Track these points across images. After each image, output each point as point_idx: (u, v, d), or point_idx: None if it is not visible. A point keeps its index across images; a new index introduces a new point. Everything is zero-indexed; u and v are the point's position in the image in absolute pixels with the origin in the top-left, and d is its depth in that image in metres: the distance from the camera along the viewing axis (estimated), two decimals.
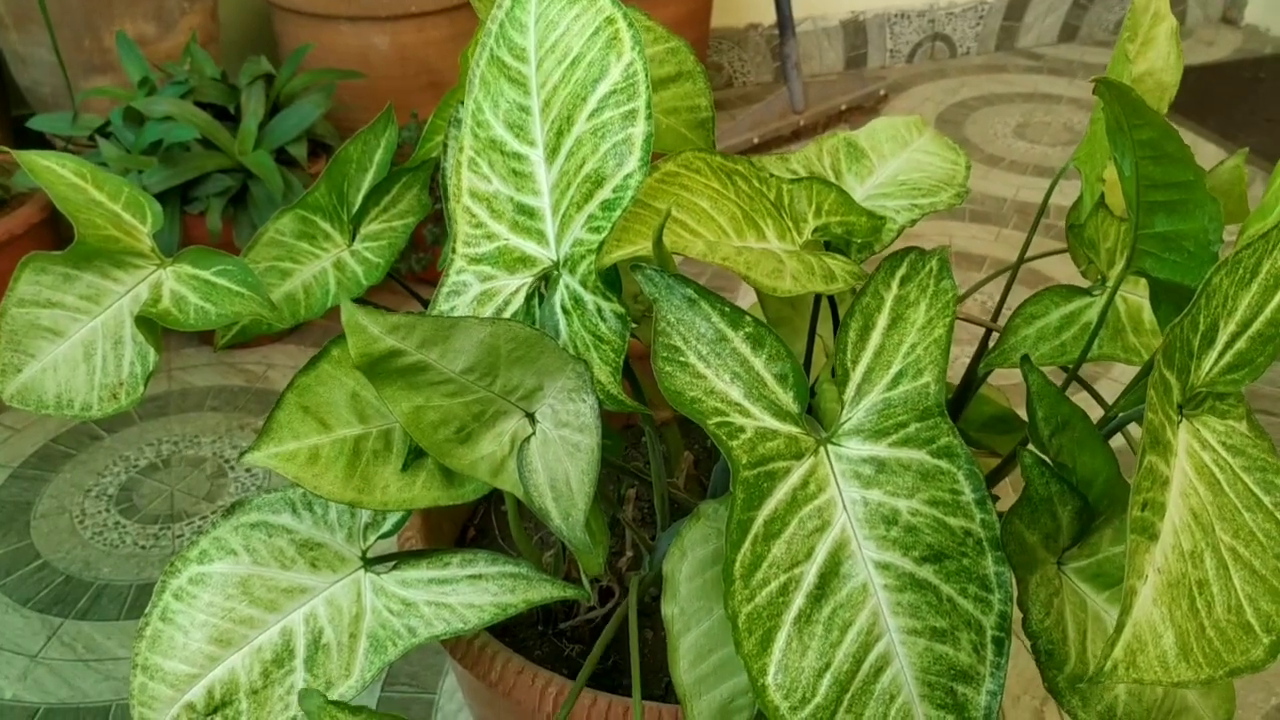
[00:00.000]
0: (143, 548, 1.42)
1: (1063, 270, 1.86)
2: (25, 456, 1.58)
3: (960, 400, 0.84)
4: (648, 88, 0.63)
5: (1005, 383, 1.62)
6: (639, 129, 0.63)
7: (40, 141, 1.83)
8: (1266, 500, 0.52)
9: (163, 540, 1.43)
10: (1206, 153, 2.35)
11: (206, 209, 1.61)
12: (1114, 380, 1.72)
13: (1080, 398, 1.49)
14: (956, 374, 1.39)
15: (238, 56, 2.04)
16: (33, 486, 1.52)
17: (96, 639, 1.29)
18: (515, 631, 0.89)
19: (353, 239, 0.84)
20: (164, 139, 1.58)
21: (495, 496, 1.02)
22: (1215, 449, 0.53)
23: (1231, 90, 2.67)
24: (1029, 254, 0.85)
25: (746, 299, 1.80)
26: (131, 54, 1.68)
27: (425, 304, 0.74)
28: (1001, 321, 0.78)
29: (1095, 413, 0.72)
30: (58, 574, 1.38)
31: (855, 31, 2.74)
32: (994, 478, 0.76)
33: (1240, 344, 0.54)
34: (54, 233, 1.71)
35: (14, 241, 1.62)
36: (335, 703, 0.57)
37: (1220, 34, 3.03)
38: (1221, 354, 0.54)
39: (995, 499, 0.82)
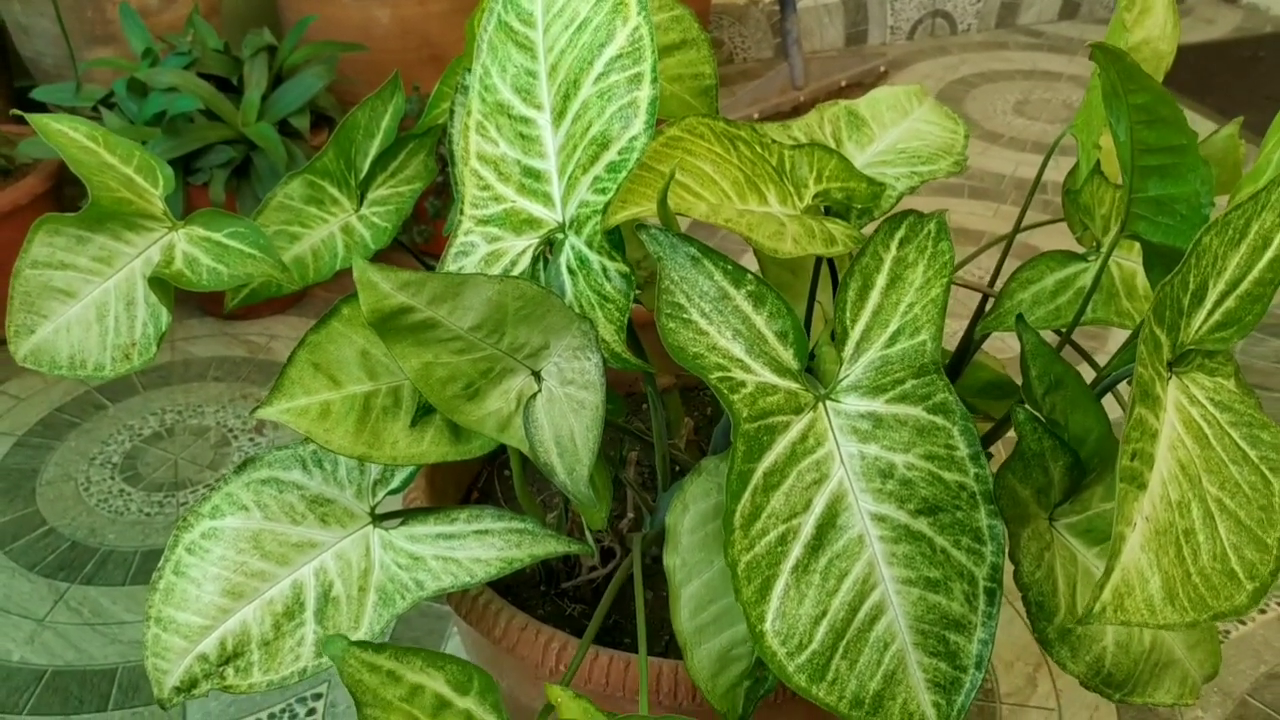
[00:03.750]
0: (147, 515, 1.44)
1: (1057, 244, 1.87)
2: (30, 425, 1.59)
3: (957, 366, 0.86)
4: (653, 52, 0.64)
5: (1001, 355, 1.64)
6: (644, 92, 0.64)
7: (43, 112, 1.84)
8: (1252, 454, 0.54)
9: (167, 508, 1.45)
10: (1205, 130, 2.36)
11: (210, 180, 1.62)
12: (1109, 354, 1.74)
13: (1076, 363, 1.51)
14: (953, 342, 1.41)
15: (239, 28, 2.04)
16: (38, 454, 1.54)
17: (102, 603, 1.31)
18: (518, 591, 0.91)
19: (360, 204, 0.85)
20: (168, 110, 1.58)
21: (498, 460, 1.04)
22: (1203, 404, 0.55)
23: (1231, 68, 2.68)
24: (1024, 225, 0.86)
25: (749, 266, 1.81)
26: (134, 25, 1.68)
27: (431, 270, 0.76)
28: (998, 290, 0.80)
29: (1089, 378, 0.74)
30: (64, 540, 1.40)
31: (856, 8, 2.74)
32: (989, 439, 0.78)
33: (1229, 303, 0.56)
34: (58, 203, 1.72)
35: (18, 212, 1.63)
36: (358, 643, 0.58)
37: (1220, 12, 3.04)
38: (1211, 312, 0.56)
39: (989, 456, 0.83)
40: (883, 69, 2.55)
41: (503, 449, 0.80)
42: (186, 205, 1.65)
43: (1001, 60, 2.74)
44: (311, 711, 1.17)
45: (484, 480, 1.03)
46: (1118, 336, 1.76)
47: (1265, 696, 1.21)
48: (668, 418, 1.00)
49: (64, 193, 1.74)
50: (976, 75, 2.65)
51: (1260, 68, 2.69)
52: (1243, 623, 1.30)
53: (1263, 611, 1.32)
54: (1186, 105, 2.48)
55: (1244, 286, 0.56)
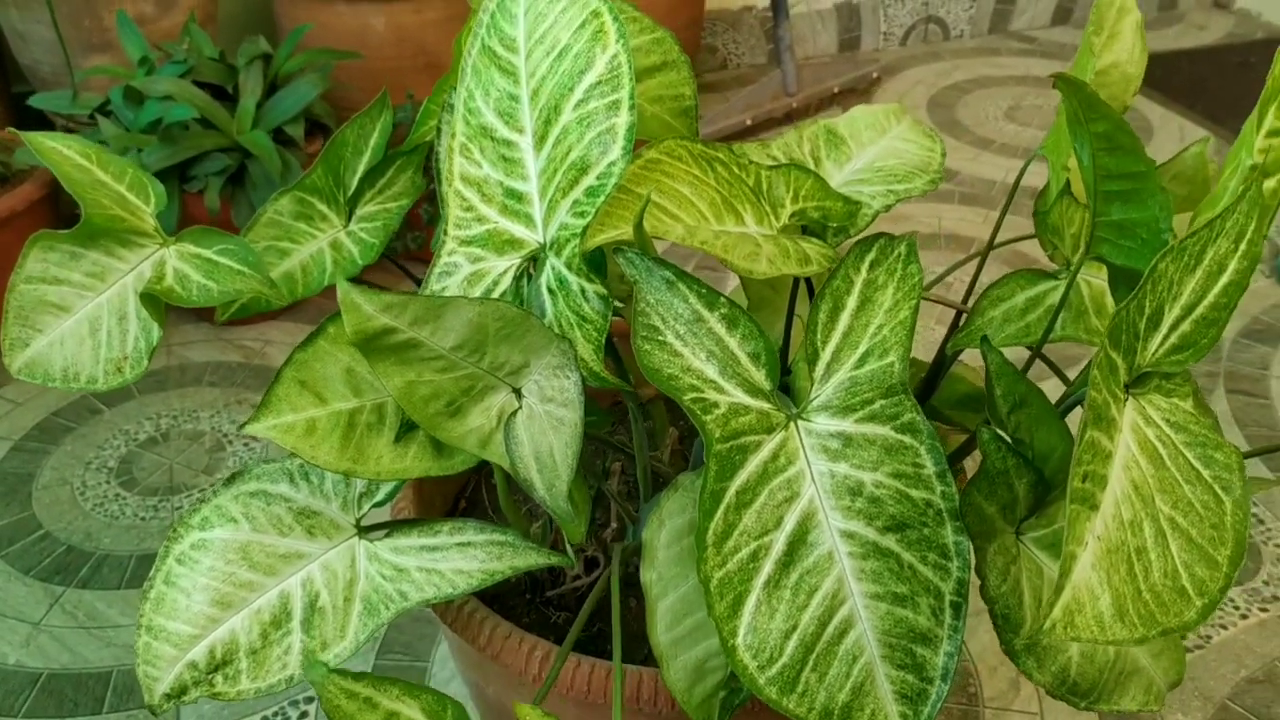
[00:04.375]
0: (142, 519, 1.45)
1: (1037, 255, 1.89)
2: (26, 429, 1.61)
3: (933, 379, 0.88)
4: (631, 80, 0.66)
5: (981, 364, 1.65)
6: (622, 119, 0.66)
7: (40, 119, 1.85)
8: (1206, 473, 0.56)
9: (162, 512, 1.46)
10: (1195, 136, 2.37)
11: (205, 187, 1.64)
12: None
13: (1047, 379, 1.53)
14: (931, 343, 1.42)
15: (235, 36, 2.05)
16: (34, 459, 1.56)
17: (98, 607, 1.32)
18: (504, 600, 0.93)
19: (349, 220, 0.87)
20: (163, 118, 1.60)
21: (485, 471, 1.06)
22: (1159, 425, 0.56)
23: (1222, 74, 2.70)
24: (1009, 237, 0.88)
25: (732, 285, 1.83)
26: (131, 33, 1.70)
27: (419, 283, 0.78)
28: (972, 303, 0.82)
29: (1062, 393, 0.75)
30: (59, 544, 1.41)
31: (849, 14, 2.76)
32: (961, 453, 0.79)
33: (1185, 327, 0.57)
34: (54, 210, 1.73)
35: (14, 219, 1.65)
36: (338, 670, 0.60)
37: (1212, 18, 3.05)
38: (1167, 336, 0.57)
39: (961, 471, 0.85)
40: (875, 75, 2.57)
41: (486, 461, 0.82)
42: (182, 213, 1.67)
43: (994, 66, 2.76)
44: (304, 715, 1.19)
45: (471, 490, 1.04)
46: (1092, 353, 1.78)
47: (1245, 701, 1.22)
48: (652, 428, 1.02)
49: (60, 200, 1.75)
50: (969, 81, 2.67)
51: (1251, 74, 2.70)
52: (1224, 628, 1.32)
53: (1244, 617, 1.34)
54: (1177, 111, 2.50)
55: (1199, 311, 0.58)
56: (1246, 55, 2.80)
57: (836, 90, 2.48)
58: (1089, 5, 2.96)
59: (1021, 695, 1.23)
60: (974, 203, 2.16)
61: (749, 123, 2.32)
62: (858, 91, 2.54)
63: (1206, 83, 2.64)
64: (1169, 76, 2.62)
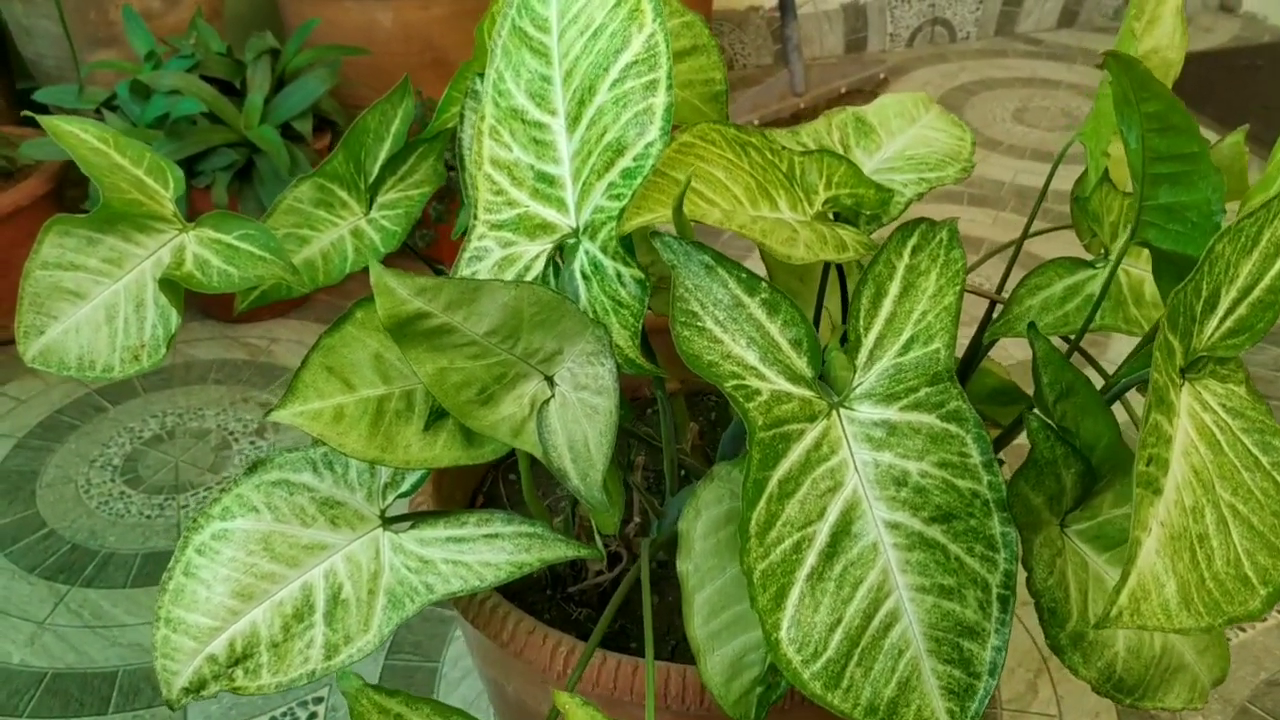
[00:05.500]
0: (148, 517, 1.43)
1: (1057, 252, 1.88)
2: (31, 427, 1.59)
3: (964, 373, 0.86)
4: (669, 59, 0.65)
5: (1007, 362, 1.64)
6: (660, 99, 0.65)
7: (45, 114, 1.83)
8: (1264, 460, 0.54)
9: (168, 510, 1.44)
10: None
11: (212, 183, 1.62)
12: (1110, 363, 1.74)
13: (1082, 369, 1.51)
14: (960, 349, 1.41)
15: (242, 31, 2.04)
16: (38, 456, 1.54)
17: (103, 606, 1.30)
18: (524, 596, 0.91)
19: (370, 207, 0.85)
20: (170, 112, 1.58)
21: (502, 466, 1.04)
22: (1216, 411, 0.55)
23: (1229, 77, 2.69)
24: (1024, 233, 0.87)
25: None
26: (137, 27, 1.68)
27: (442, 275, 0.76)
28: (1006, 296, 0.80)
29: (1096, 385, 0.74)
30: (64, 542, 1.39)
31: (856, 15, 2.75)
32: (997, 446, 0.78)
33: (1241, 310, 0.56)
34: (58, 205, 1.72)
35: (19, 213, 1.63)
36: (373, 686, 0.59)
37: (1219, 21, 3.05)
38: (1223, 319, 0.56)
39: (1000, 463, 0.84)
40: (882, 76, 2.56)
41: (510, 454, 0.80)
42: (189, 208, 1.65)
43: (1000, 68, 2.75)
44: (313, 715, 1.17)
45: (489, 485, 1.03)
46: (1116, 343, 1.77)
47: (1266, 703, 1.21)
48: (674, 422, 1.00)
49: (65, 194, 1.74)
50: (976, 83, 2.66)
51: (1258, 77, 2.70)
52: (1243, 630, 1.31)
53: (1263, 620, 1.32)
54: None
55: (1256, 294, 0.56)
56: (1253, 58, 2.80)
57: (843, 91, 2.47)
58: (1095, 8, 2.96)
59: (1040, 698, 1.22)
60: (983, 204, 2.15)
61: (756, 123, 2.31)
62: (864, 92, 2.53)
63: (1214, 86, 2.63)
64: (1176, 80, 2.61)
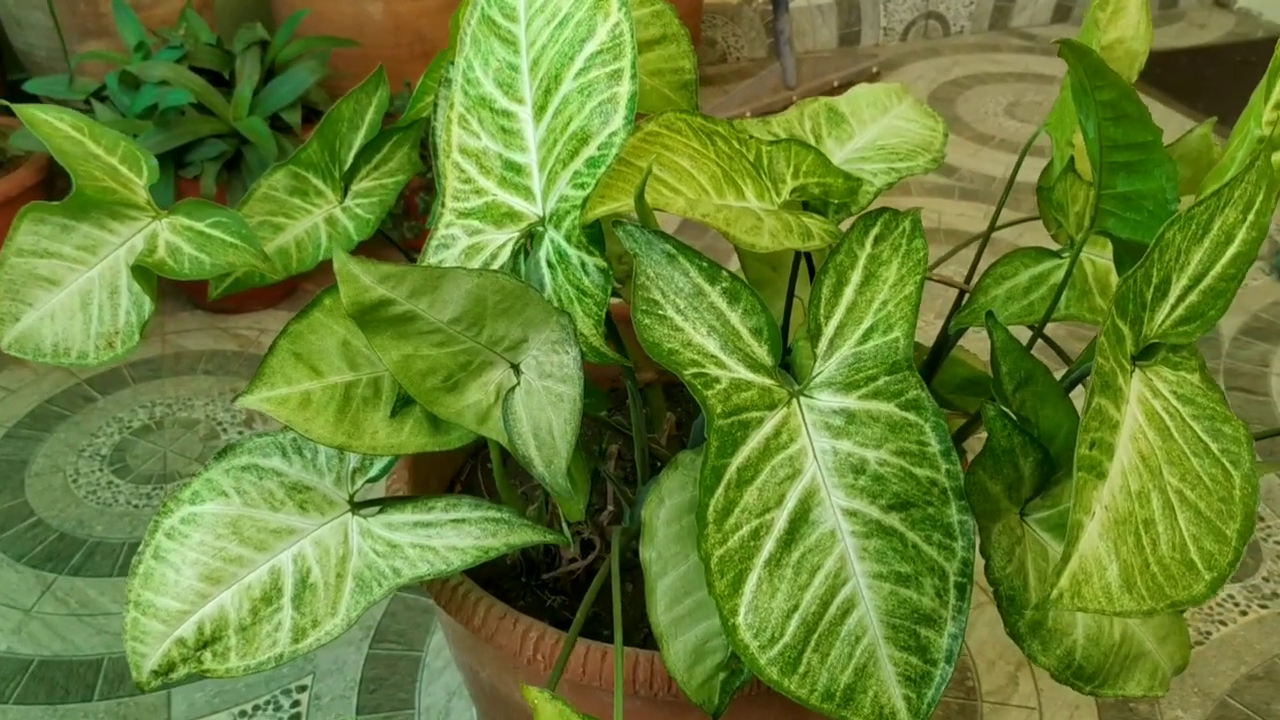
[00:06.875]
0: (135, 507, 1.44)
1: (1038, 242, 1.89)
2: (20, 417, 1.60)
3: (934, 362, 0.87)
4: (633, 48, 0.65)
5: (985, 354, 1.64)
6: (624, 88, 0.65)
7: (35, 104, 1.84)
8: (1214, 447, 0.55)
9: (155, 500, 1.45)
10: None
11: (201, 173, 1.63)
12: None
13: (1050, 358, 1.52)
14: (931, 338, 1.42)
15: (232, 22, 2.04)
16: (27, 446, 1.54)
17: (90, 594, 1.31)
18: (499, 583, 0.92)
19: (344, 196, 0.86)
20: (159, 103, 1.59)
21: (480, 454, 1.05)
22: (1166, 397, 0.55)
23: (1223, 73, 2.69)
24: (1003, 223, 0.87)
25: (732, 265, 1.82)
26: (127, 18, 1.69)
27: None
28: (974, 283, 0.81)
29: (1062, 373, 0.74)
30: (51, 531, 1.40)
31: (849, 8, 2.75)
32: (961, 436, 0.78)
33: (1192, 297, 0.56)
34: (48, 195, 1.72)
35: (9, 203, 1.63)
36: None
37: (1213, 17, 3.05)
38: (1174, 307, 0.56)
39: (963, 454, 0.84)
40: (875, 70, 2.56)
41: (484, 442, 0.81)
42: (177, 198, 1.65)
43: (994, 62, 2.75)
44: (296, 703, 1.18)
45: (467, 473, 1.03)
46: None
47: (1245, 697, 1.22)
48: (649, 413, 1.01)
49: (55, 185, 1.74)
50: (969, 77, 2.66)
51: (1252, 73, 2.70)
52: (1224, 624, 1.31)
53: (1244, 614, 1.33)
54: (1178, 109, 2.49)
55: (1207, 281, 0.57)
56: (1247, 54, 2.79)
57: (836, 84, 2.47)
58: (1088, 3, 2.96)
59: (1020, 690, 1.22)
60: (974, 198, 2.15)
61: (748, 115, 2.31)
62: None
63: (1207, 81, 2.63)
64: (1170, 75, 2.61)
